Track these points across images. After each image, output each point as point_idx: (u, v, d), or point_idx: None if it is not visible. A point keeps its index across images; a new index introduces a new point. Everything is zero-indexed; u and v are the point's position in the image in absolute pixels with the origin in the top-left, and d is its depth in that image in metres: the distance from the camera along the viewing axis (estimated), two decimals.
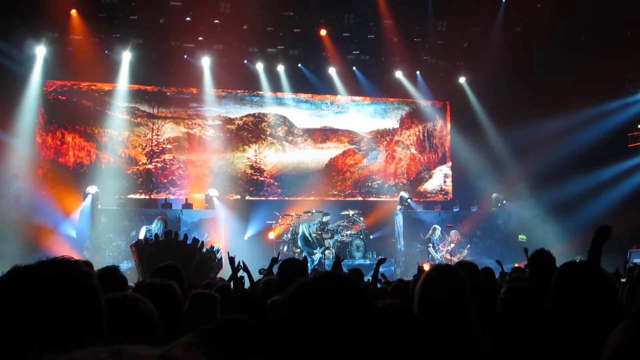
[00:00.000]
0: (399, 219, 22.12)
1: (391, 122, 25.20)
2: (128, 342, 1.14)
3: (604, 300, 3.40)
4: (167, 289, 3.50)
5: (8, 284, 1.85)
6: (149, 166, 21.91)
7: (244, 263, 8.39)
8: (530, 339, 3.04)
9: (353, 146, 24.59)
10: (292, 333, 1.73)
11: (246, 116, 23.38)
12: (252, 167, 23.19)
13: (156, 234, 14.35)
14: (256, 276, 8.69)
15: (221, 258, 12.78)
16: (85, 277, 1.91)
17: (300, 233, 20.08)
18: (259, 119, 23.56)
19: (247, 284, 8.80)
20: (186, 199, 20.79)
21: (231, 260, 8.19)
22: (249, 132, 23.40)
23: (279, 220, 21.29)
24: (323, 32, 22.00)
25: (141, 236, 16.06)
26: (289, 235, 20.74)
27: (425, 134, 25.60)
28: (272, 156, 23.51)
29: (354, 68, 23.70)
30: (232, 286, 7.66)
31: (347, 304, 1.77)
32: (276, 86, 23.20)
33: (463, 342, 3.10)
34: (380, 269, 8.81)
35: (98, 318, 1.89)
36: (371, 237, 22.53)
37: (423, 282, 3.30)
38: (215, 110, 22.88)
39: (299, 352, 1.71)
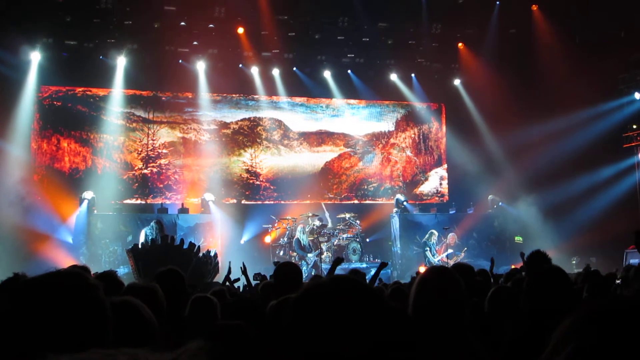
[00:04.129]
0: (395, 222, 22.14)
1: (386, 124, 25.21)
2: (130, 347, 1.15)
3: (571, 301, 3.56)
4: (149, 292, 3.53)
5: (16, 294, 1.86)
6: (145, 171, 21.88)
7: (244, 265, 8.43)
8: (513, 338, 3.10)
9: (349, 149, 24.59)
10: (304, 336, 1.72)
11: (241, 120, 23.37)
12: (248, 171, 23.17)
13: (152, 239, 14.33)
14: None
15: (218, 262, 12.79)
16: (93, 289, 1.92)
17: (295, 237, 20.07)
18: (255, 122, 23.54)
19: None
20: (182, 204, 20.75)
21: (244, 269, 8.31)
22: (245, 136, 23.39)
23: (276, 224, 21.28)
24: (317, 36, 22.01)
25: (141, 239, 16.08)
26: (286, 239, 20.72)
27: (421, 137, 25.60)
28: (267, 160, 23.49)
29: (349, 71, 23.71)
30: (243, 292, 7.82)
31: (364, 306, 1.76)
32: (271, 90, 23.16)
33: (458, 343, 3.10)
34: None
35: (104, 330, 1.90)
36: (367, 240, 22.48)
37: (418, 284, 3.31)
38: (211, 114, 22.86)
39: (310, 355, 1.70)
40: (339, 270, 9.16)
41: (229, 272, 8.82)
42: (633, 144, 22.68)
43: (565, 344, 1.25)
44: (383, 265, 8.73)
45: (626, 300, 1.30)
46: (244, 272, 8.30)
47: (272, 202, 23.14)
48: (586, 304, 1.31)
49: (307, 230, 20.32)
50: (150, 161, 22.00)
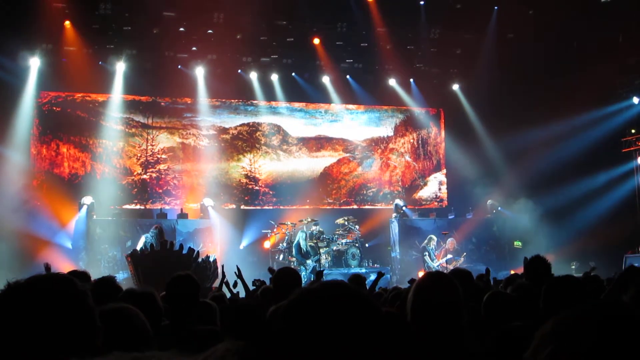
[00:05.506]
0: (395, 227, 22.12)
1: (385, 130, 25.21)
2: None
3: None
4: (147, 297, 3.55)
5: (3, 300, 1.83)
6: (144, 176, 21.89)
7: (238, 269, 8.39)
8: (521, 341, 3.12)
9: (347, 154, 24.59)
10: (294, 343, 1.73)
11: (240, 125, 23.38)
12: (247, 176, 23.17)
13: (151, 244, 14.33)
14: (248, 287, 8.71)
15: (217, 268, 12.79)
16: (80, 295, 1.89)
17: (296, 242, 20.07)
18: (254, 128, 23.56)
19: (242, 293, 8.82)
20: (181, 209, 20.76)
21: (239, 273, 8.28)
22: (244, 141, 23.40)
23: (275, 229, 21.25)
24: (316, 41, 22.03)
25: (140, 245, 16.07)
26: (285, 244, 20.69)
27: (420, 142, 25.61)
28: (266, 165, 23.50)
29: (348, 76, 23.72)
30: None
31: (352, 311, 1.76)
32: (270, 95, 23.19)
33: (455, 349, 3.11)
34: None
35: (92, 335, 1.88)
36: (367, 245, 22.41)
37: (415, 289, 3.30)
38: (210, 119, 22.88)
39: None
40: (338, 275, 9.19)
41: (224, 277, 8.79)
42: (632, 149, 22.71)
43: (545, 346, 1.31)
44: (380, 275, 8.78)
45: (604, 305, 1.35)
46: (239, 275, 8.27)
47: (271, 207, 23.15)
48: (566, 308, 1.39)
49: (307, 235, 20.33)
50: (150, 166, 22.01)
